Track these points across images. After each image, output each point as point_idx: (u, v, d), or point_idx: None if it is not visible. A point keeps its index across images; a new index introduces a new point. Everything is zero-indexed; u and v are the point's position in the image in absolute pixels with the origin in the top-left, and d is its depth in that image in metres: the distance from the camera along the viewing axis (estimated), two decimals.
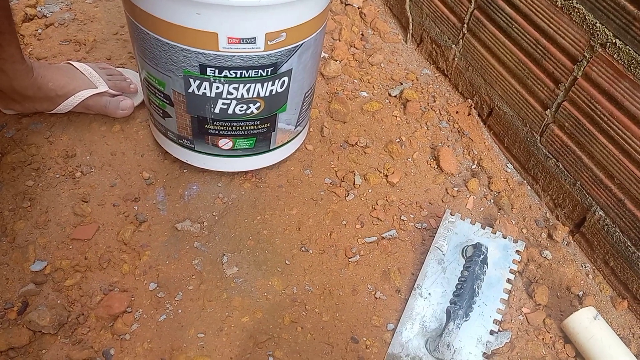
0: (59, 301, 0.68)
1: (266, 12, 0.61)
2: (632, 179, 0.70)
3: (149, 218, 0.77)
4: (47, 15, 1.06)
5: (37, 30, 1.03)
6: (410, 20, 1.09)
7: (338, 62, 1.04)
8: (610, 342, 0.68)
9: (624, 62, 0.66)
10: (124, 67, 0.96)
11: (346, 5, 1.17)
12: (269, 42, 0.63)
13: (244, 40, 0.62)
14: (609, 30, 0.67)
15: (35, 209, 0.77)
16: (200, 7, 0.59)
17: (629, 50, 0.65)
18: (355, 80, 1.03)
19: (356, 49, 1.09)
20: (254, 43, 0.63)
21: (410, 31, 1.10)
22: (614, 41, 0.67)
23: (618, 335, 0.71)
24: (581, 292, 0.77)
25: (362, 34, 1.13)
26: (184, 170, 0.83)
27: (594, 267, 0.80)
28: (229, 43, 0.62)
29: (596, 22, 0.69)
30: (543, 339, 0.72)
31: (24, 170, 0.81)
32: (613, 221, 0.75)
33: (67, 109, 0.85)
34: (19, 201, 0.77)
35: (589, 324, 0.69)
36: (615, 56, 0.68)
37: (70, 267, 0.72)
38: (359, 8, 1.15)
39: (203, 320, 0.68)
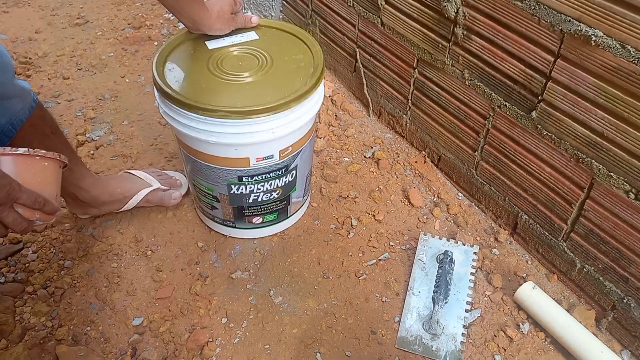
0: (157, 343, 0.94)
1: (279, 141, 0.90)
2: (538, 190, 1.03)
3: (209, 274, 1.05)
4: (95, 139, 1.35)
5: (89, 151, 1.31)
6: (370, 100, 1.44)
7: (322, 138, 1.38)
8: (547, 303, 0.97)
9: (514, 116, 1.02)
10: (164, 169, 1.27)
11: None
12: (281, 154, 0.94)
13: (266, 158, 0.93)
14: (500, 97, 1.03)
15: (123, 282, 1.03)
16: (237, 146, 0.88)
17: (515, 108, 1.01)
18: (338, 150, 1.36)
19: (333, 126, 1.43)
20: (272, 157, 0.93)
21: (371, 108, 1.45)
22: (505, 104, 1.03)
23: (553, 298, 1.00)
24: (525, 274, 1.07)
25: (335, 115, 1.47)
26: (227, 237, 1.12)
27: (530, 256, 1.11)
28: (256, 161, 0.92)
29: (492, 93, 1.04)
30: (503, 310, 1.01)
31: (108, 256, 1.08)
32: (534, 221, 1.07)
33: (133, 205, 1.13)
34: (110, 279, 1.04)
35: (530, 293, 0.98)
36: (507, 113, 1.03)
37: (160, 318, 0.98)
38: (329, 96, 1.51)
39: (265, 337, 0.95)
